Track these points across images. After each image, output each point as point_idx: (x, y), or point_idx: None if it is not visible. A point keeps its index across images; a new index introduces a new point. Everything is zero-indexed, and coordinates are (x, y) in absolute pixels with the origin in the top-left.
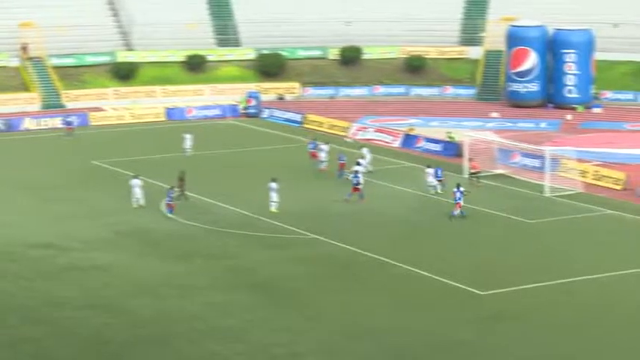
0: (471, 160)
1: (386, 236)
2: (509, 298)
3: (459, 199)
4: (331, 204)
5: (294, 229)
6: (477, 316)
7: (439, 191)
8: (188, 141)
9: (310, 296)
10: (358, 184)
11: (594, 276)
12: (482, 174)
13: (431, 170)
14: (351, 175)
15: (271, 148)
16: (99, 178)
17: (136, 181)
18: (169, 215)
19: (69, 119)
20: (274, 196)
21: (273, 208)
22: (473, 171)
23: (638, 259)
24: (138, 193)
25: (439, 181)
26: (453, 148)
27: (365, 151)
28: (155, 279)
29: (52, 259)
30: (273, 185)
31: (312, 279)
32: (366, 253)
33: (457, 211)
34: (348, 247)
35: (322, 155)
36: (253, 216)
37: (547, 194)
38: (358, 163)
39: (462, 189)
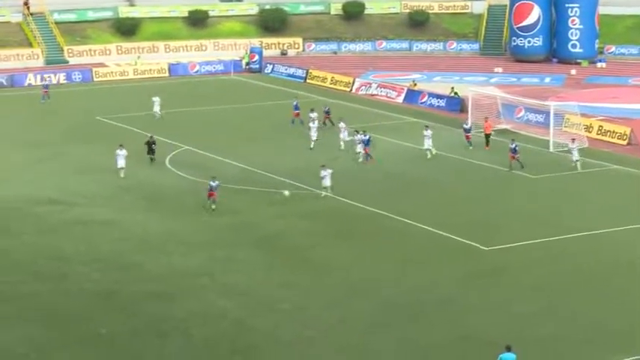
0: (486, 119)
1: (389, 191)
2: (511, 253)
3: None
4: (334, 160)
5: (297, 184)
6: (478, 271)
7: (433, 153)
8: (157, 105)
9: (314, 251)
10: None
11: (599, 231)
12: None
13: (428, 132)
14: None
15: (274, 103)
16: (102, 134)
17: (120, 152)
18: (213, 207)
19: (46, 83)
20: (326, 182)
21: (325, 193)
22: (487, 132)
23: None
24: (121, 162)
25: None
26: (456, 104)
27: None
28: (160, 234)
29: (56, 215)
30: (325, 172)
31: (315, 234)
32: (369, 207)
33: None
34: (351, 202)
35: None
36: (257, 171)
37: (551, 149)
38: (357, 132)
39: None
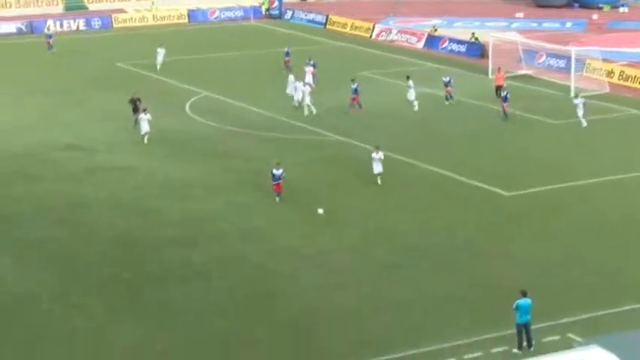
0: (498, 70)
1: (408, 138)
2: (532, 199)
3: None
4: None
5: (317, 130)
6: (499, 217)
7: (415, 108)
8: (160, 56)
9: (334, 197)
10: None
11: (621, 176)
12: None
13: (411, 83)
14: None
15: (294, 49)
16: (123, 81)
17: (145, 116)
18: (277, 199)
19: (49, 32)
20: (378, 168)
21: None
22: (499, 84)
23: None
24: (145, 127)
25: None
26: (477, 49)
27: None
28: (180, 180)
29: (75, 161)
30: (376, 155)
31: (335, 180)
32: (388, 154)
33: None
34: (368, 147)
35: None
36: (276, 117)
37: (572, 95)
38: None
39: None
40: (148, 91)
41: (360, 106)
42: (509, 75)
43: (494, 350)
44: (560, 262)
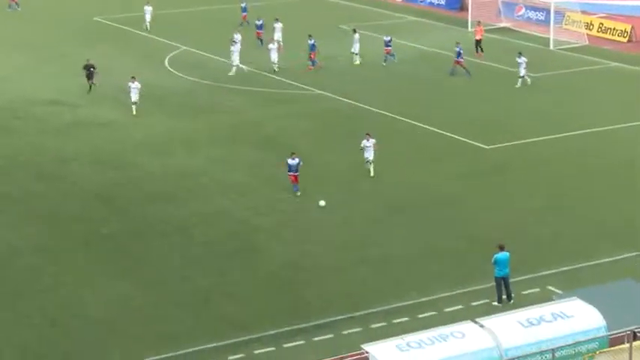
0: (478, 23)
1: (389, 91)
2: (512, 151)
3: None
4: (333, 60)
5: (297, 84)
6: (481, 170)
7: (355, 62)
8: (148, 14)
9: (315, 152)
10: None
11: (600, 129)
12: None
13: (357, 36)
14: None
15: (284, 2)
16: (101, 35)
17: (133, 85)
18: (297, 193)
19: None
20: (369, 154)
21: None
22: (478, 38)
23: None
24: (135, 96)
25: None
26: (456, 2)
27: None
28: (160, 135)
29: (56, 116)
30: (367, 143)
31: (316, 135)
32: (370, 107)
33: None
34: (351, 102)
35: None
36: (256, 71)
37: (552, 47)
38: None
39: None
40: (126, 46)
41: (314, 63)
42: (488, 28)
43: (475, 303)
44: (540, 214)
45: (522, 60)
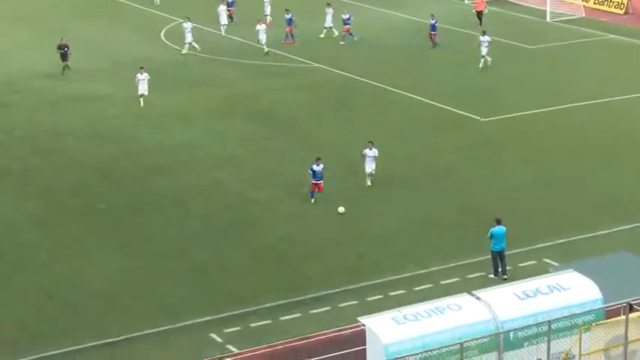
0: None
1: (383, 63)
2: (508, 124)
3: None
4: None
5: (292, 56)
6: (475, 142)
7: (321, 35)
8: None
9: (310, 124)
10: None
11: (596, 101)
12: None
13: (330, 10)
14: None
15: None
16: (102, 10)
17: (141, 76)
18: (312, 200)
19: None
20: (370, 166)
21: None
22: (479, 9)
23: (636, 83)
24: (143, 88)
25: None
26: None
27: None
28: (157, 108)
29: (53, 90)
30: (370, 152)
31: (311, 107)
32: (365, 80)
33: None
34: (346, 74)
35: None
36: (252, 44)
37: (548, 20)
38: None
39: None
40: (123, 18)
41: (292, 36)
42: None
43: (471, 276)
44: (536, 186)
45: (485, 39)
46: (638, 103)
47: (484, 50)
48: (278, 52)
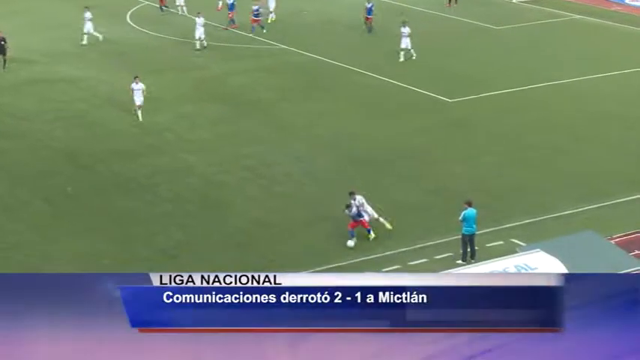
0: None
1: (351, 45)
2: (475, 105)
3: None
4: (297, 16)
5: (260, 38)
6: (445, 123)
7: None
8: None
9: (280, 106)
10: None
11: (563, 81)
12: None
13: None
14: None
15: None
16: None
17: (136, 86)
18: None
19: None
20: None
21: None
22: None
23: (602, 63)
24: (139, 100)
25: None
26: None
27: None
28: (125, 92)
29: (16, 72)
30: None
31: (280, 89)
32: (333, 62)
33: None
34: (315, 56)
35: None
36: (220, 27)
37: (515, 0)
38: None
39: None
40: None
41: (231, 22)
42: None
43: (439, 257)
44: (504, 167)
45: (406, 30)
46: (606, 82)
47: (403, 43)
48: (246, 34)
